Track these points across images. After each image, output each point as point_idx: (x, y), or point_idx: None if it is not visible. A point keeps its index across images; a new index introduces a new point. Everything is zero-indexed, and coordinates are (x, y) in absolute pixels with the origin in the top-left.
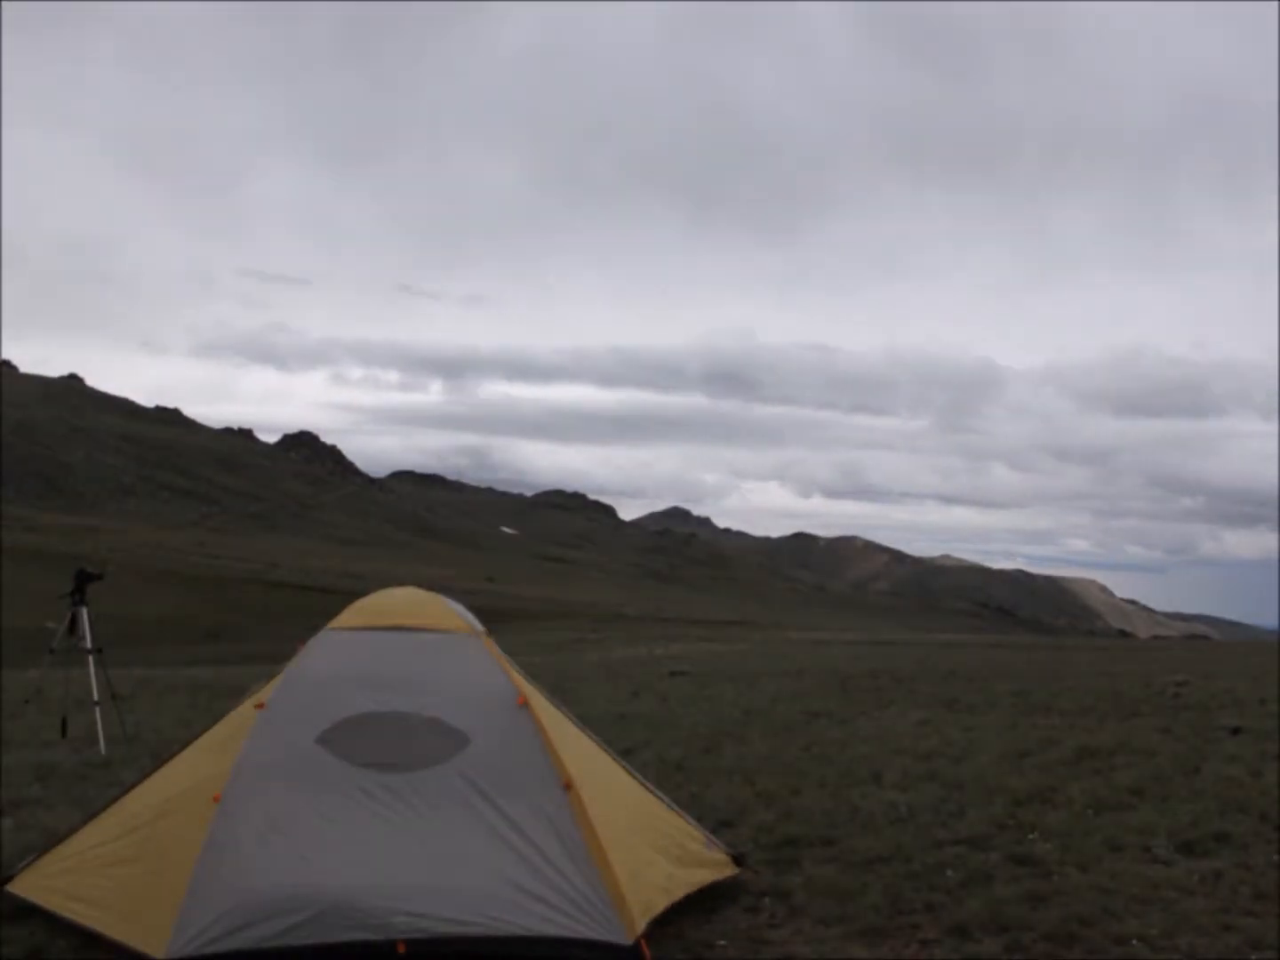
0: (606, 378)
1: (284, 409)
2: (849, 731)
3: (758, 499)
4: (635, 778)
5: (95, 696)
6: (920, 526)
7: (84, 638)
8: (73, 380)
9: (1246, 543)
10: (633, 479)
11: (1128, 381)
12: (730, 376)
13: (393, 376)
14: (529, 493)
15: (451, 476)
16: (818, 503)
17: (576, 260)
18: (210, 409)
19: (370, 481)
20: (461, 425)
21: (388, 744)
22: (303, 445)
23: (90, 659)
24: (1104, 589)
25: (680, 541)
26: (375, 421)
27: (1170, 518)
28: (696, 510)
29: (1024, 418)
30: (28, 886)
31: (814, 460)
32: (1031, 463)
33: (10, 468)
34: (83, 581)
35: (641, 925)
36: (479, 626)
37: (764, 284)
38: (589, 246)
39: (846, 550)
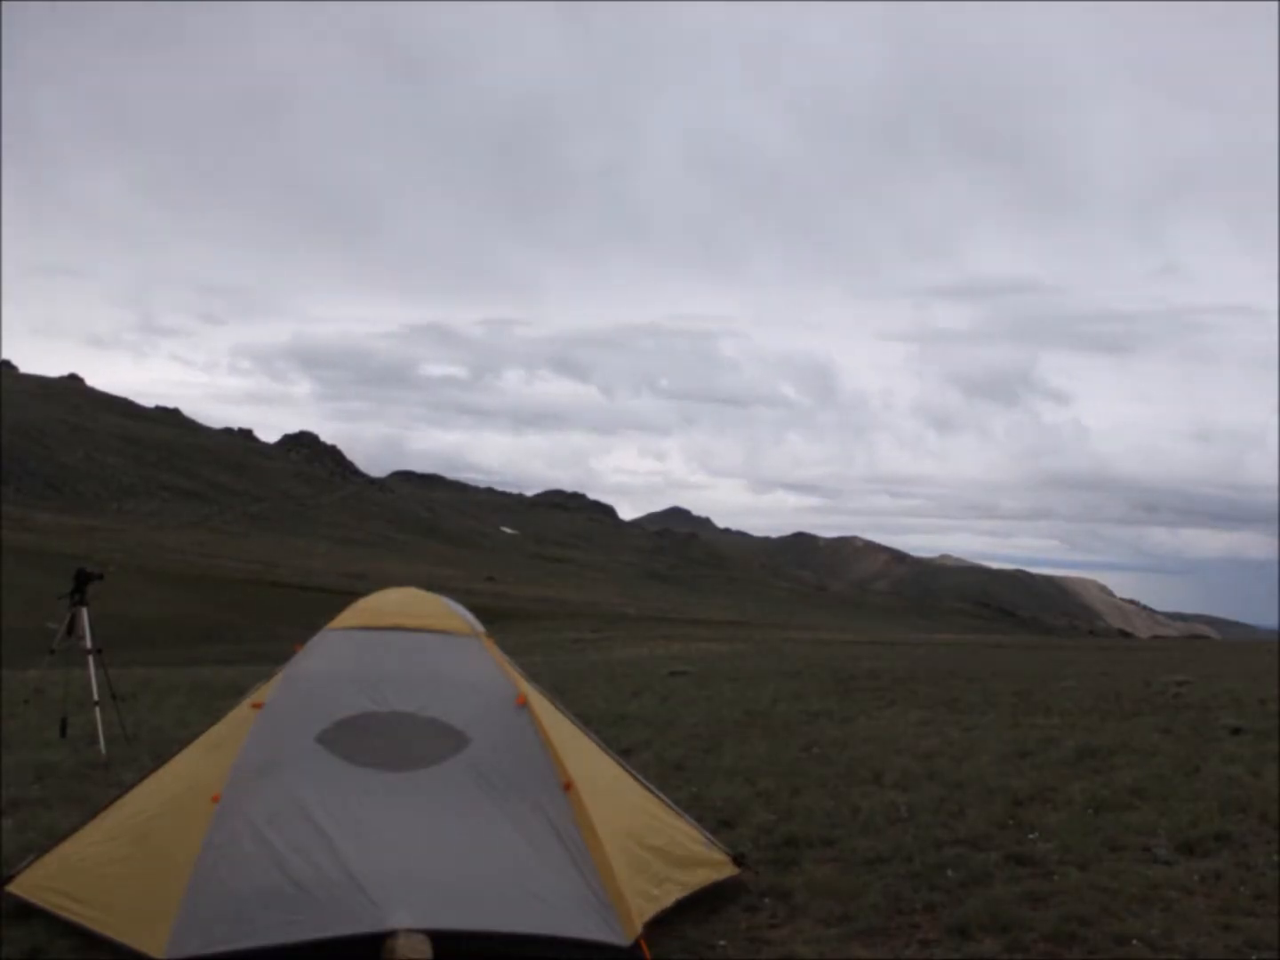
0: (471, 366)
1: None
2: (849, 731)
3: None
4: (635, 778)
5: (95, 696)
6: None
7: (84, 638)
8: (73, 380)
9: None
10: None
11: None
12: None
13: (245, 364)
14: (529, 493)
15: (452, 476)
16: (770, 497)
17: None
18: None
19: (370, 481)
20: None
21: (387, 743)
22: (303, 445)
23: (90, 659)
24: (1104, 589)
25: (680, 541)
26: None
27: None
28: (680, 503)
29: (897, 409)
30: (28, 886)
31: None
32: (944, 453)
33: (10, 468)
34: (83, 581)
35: (640, 925)
36: (479, 627)
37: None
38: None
39: (846, 550)
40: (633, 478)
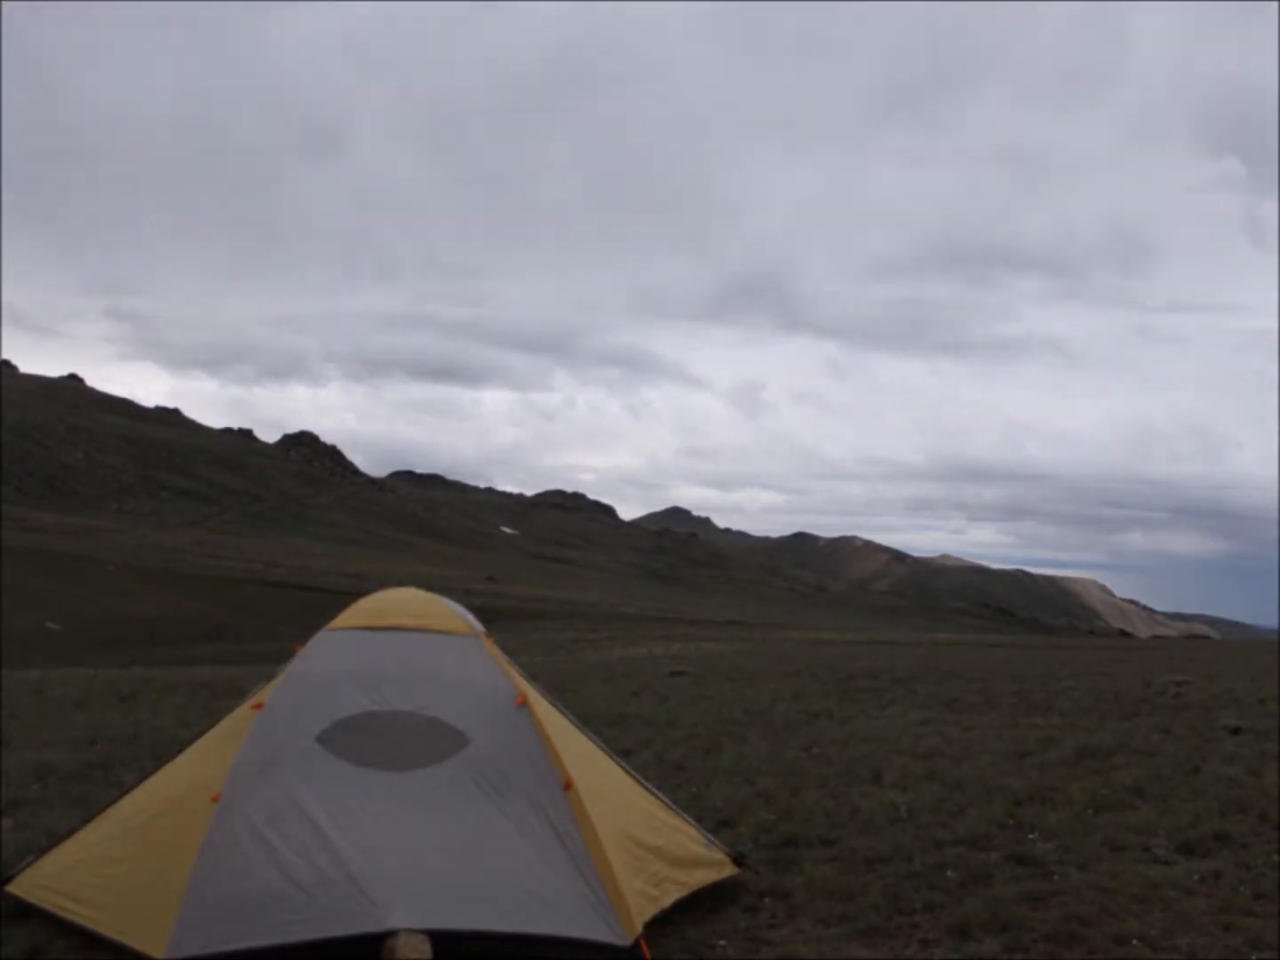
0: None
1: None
2: (849, 731)
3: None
4: (635, 778)
5: None
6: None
7: None
8: (73, 380)
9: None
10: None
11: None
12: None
13: (149, 367)
14: (529, 492)
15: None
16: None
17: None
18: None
19: (370, 481)
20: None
21: (387, 743)
22: (303, 445)
23: None
24: (1104, 589)
25: (680, 541)
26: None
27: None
28: (678, 505)
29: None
30: (28, 886)
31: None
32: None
33: (10, 468)
34: None
35: (640, 925)
36: (479, 627)
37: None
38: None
39: (846, 550)
40: (589, 475)
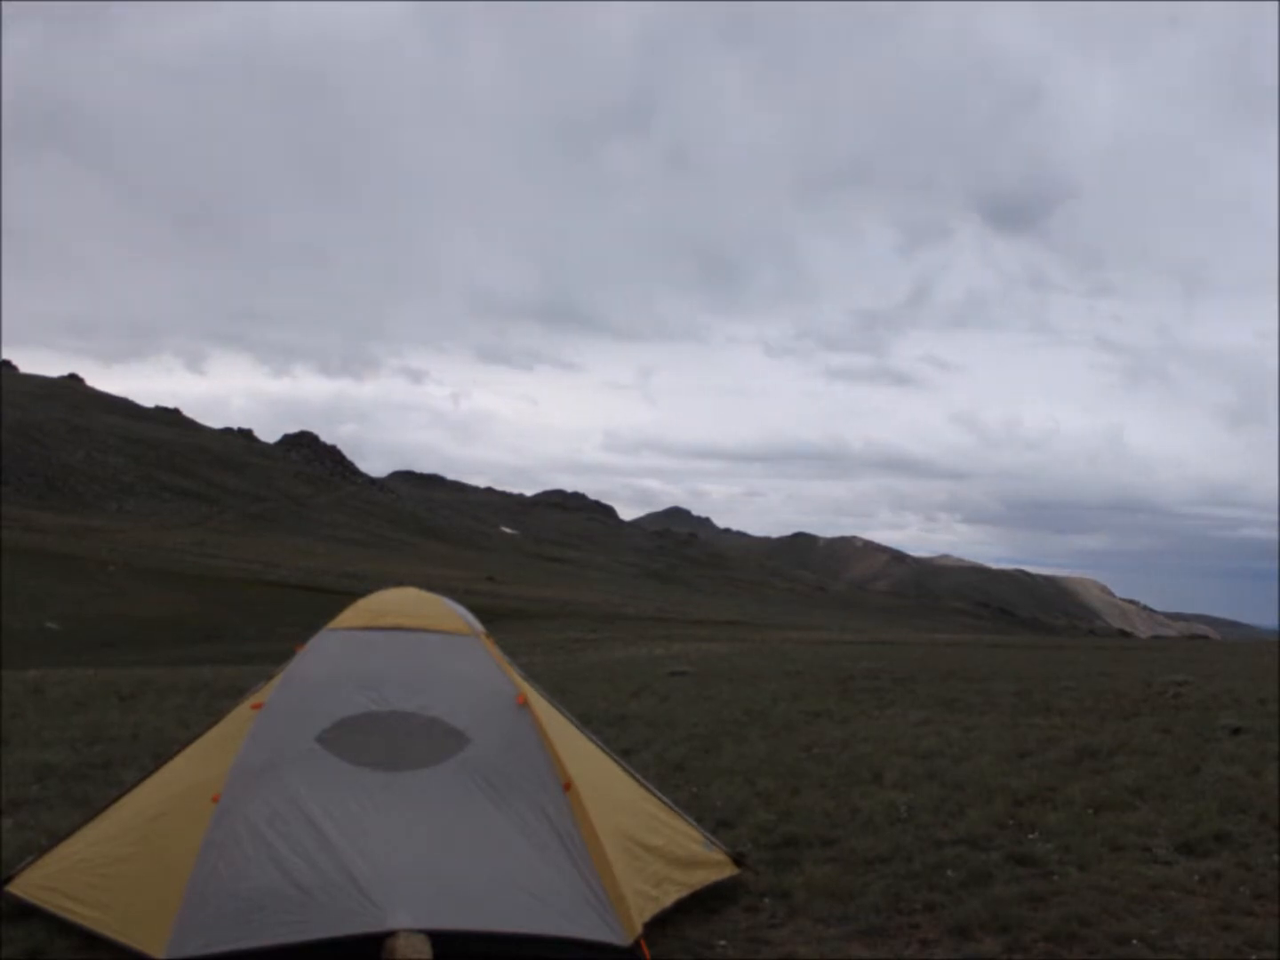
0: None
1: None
2: (849, 731)
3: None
4: (635, 778)
5: None
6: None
7: None
8: (73, 380)
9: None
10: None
11: None
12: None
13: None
14: (529, 492)
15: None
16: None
17: None
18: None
19: (370, 481)
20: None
21: (387, 743)
22: (303, 445)
23: None
24: (1104, 589)
25: (680, 542)
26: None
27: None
28: (683, 506)
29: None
30: (28, 886)
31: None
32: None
33: (10, 468)
34: None
35: (640, 925)
36: (479, 627)
37: None
38: None
39: (846, 550)
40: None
